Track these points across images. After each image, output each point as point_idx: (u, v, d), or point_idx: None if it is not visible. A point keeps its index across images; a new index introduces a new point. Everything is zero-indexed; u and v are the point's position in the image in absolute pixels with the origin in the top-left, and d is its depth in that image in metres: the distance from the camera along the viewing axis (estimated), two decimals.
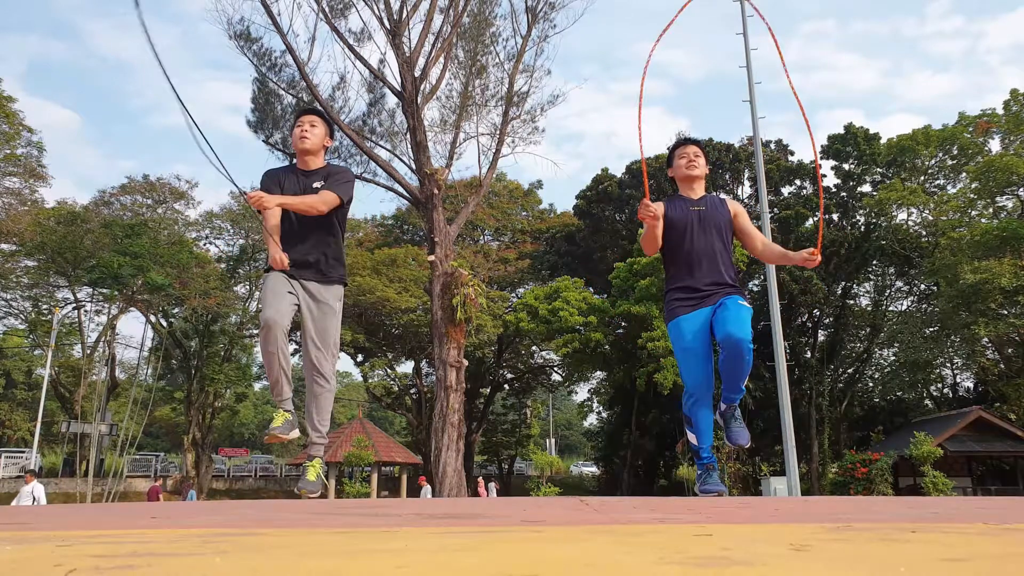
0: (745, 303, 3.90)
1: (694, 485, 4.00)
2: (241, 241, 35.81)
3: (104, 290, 30.86)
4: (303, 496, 4.05)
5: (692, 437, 4.03)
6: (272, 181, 4.12)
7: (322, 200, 3.93)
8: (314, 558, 1.22)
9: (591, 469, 50.15)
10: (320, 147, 4.22)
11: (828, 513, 2.13)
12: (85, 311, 34.47)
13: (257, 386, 49.92)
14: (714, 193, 4.37)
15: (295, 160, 4.30)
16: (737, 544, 1.28)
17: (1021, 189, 30.63)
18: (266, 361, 3.93)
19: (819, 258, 3.84)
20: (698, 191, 4.16)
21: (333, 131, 4.40)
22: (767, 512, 2.15)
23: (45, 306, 33.55)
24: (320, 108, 4.42)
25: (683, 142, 4.25)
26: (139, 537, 1.62)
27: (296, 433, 3.98)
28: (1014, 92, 31.41)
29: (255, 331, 37.98)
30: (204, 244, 36.65)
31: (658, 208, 4.09)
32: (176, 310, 34.89)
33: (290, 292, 3.91)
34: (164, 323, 35.43)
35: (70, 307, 33.84)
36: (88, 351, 34.71)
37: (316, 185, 4.04)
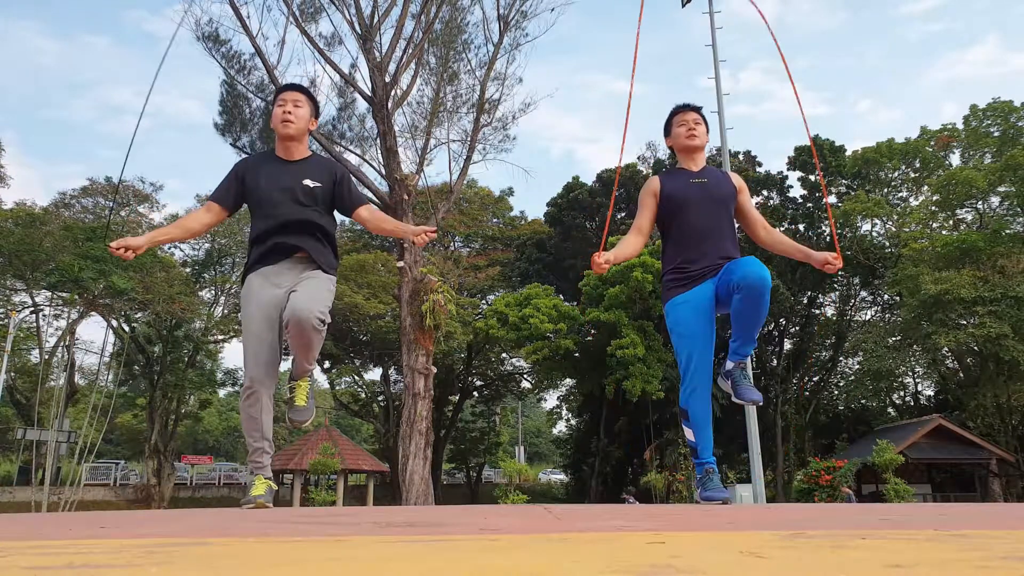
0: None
1: (696, 491, 3.61)
2: (207, 245, 35.28)
3: (64, 294, 30.16)
4: (295, 426, 3.69)
5: (689, 433, 3.55)
6: (246, 173, 3.59)
7: (385, 218, 3.86)
8: (258, 568, 1.19)
9: (560, 476, 50.22)
10: (305, 131, 3.61)
11: (785, 520, 2.15)
12: (43, 315, 33.66)
13: (222, 392, 49.16)
14: (716, 167, 4.00)
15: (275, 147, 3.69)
16: (687, 552, 1.28)
17: (980, 202, 31.45)
18: (248, 425, 3.52)
19: (841, 263, 3.57)
20: (699, 162, 3.82)
21: (319, 110, 3.79)
22: (724, 520, 2.16)
23: (1, 310, 32.69)
24: (305, 85, 3.94)
25: (682, 108, 3.87)
26: (80, 548, 1.57)
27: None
28: (973, 108, 32.30)
29: (220, 337, 37.38)
30: (168, 248, 36.02)
31: (653, 184, 3.75)
32: (139, 315, 34.21)
33: (272, 315, 3.45)
34: (126, 328, 34.73)
35: (27, 311, 33.00)
36: (46, 356, 33.87)
37: (307, 183, 3.50)
